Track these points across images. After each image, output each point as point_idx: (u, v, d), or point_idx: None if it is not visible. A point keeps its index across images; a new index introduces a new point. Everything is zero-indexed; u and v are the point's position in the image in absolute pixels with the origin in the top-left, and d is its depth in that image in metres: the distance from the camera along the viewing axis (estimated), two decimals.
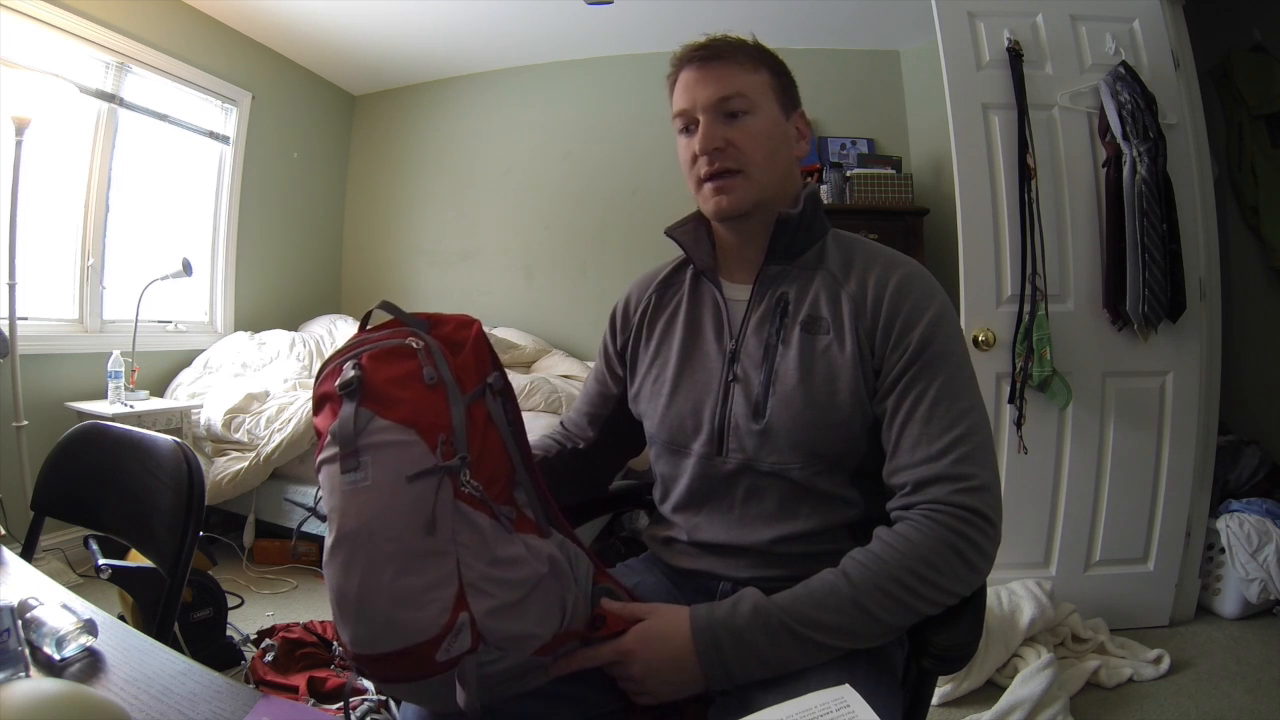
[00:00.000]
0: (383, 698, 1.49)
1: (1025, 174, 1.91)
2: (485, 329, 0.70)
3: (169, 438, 1.01)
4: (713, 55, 0.82)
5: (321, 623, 1.90)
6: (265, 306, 3.48)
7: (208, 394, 2.73)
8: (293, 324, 3.48)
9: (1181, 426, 1.98)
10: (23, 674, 0.59)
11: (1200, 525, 2.07)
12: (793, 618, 0.68)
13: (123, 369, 2.46)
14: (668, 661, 0.69)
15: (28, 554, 0.99)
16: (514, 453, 0.67)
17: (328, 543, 0.60)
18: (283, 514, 2.51)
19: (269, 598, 2.26)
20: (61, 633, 0.64)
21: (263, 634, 1.83)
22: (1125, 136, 1.84)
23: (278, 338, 3.10)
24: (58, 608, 0.67)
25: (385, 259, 3.98)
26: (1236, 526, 2.03)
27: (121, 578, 1.25)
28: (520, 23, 3.20)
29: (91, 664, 0.64)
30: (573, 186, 3.65)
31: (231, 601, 1.95)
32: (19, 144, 2.18)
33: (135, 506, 1.00)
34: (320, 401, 0.65)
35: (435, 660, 0.57)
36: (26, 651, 0.61)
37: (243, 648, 1.82)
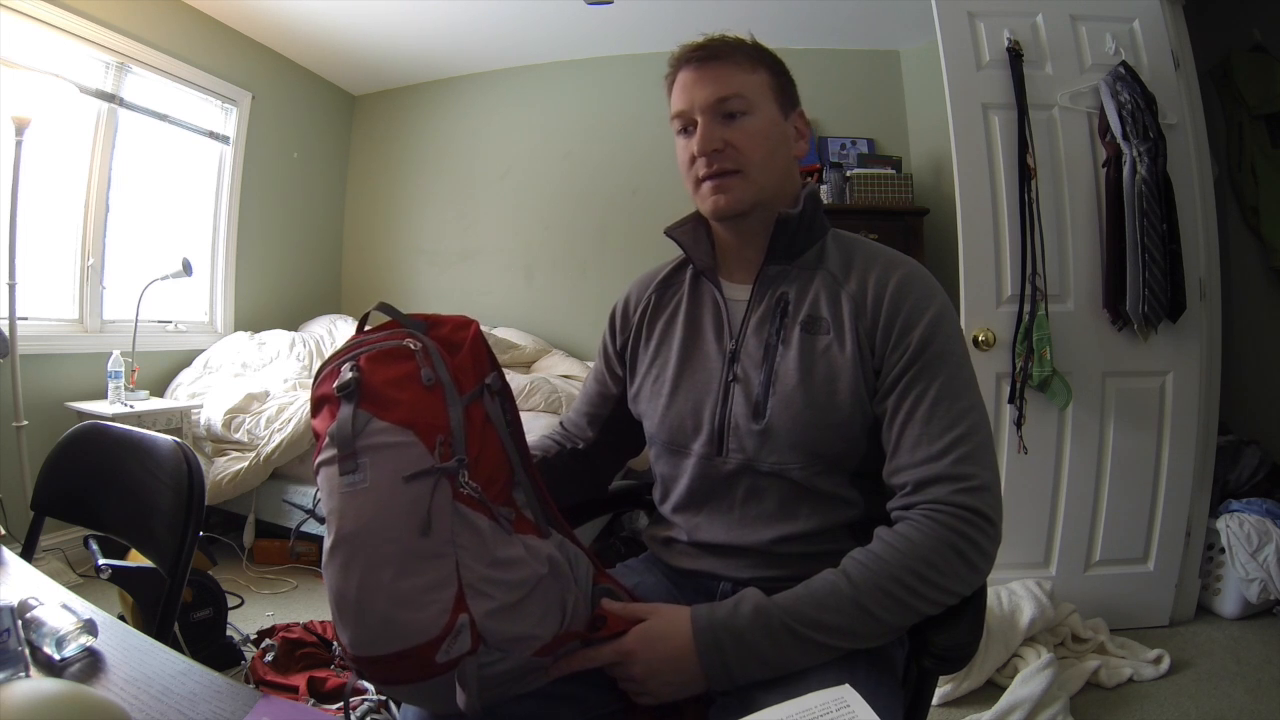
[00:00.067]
0: (383, 698, 1.49)
1: (1025, 174, 1.91)
2: (485, 329, 0.70)
3: (169, 438, 1.01)
4: (710, 55, 0.82)
5: (321, 623, 1.90)
6: (265, 306, 3.48)
7: (208, 394, 2.73)
8: (293, 324, 3.48)
9: (1181, 426, 1.98)
10: (23, 674, 0.59)
11: (1200, 525, 2.07)
12: (794, 618, 0.68)
13: (123, 369, 2.46)
14: (669, 662, 0.68)
15: (28, 554, 0.99)
16: (512, 453, 0.67)
17: (326, 544, 0.60)
18: (282, 514, 2.51)
19: (269, 598, 2.26)
20: (61, 633, 0.64)
21: (263, 634, 1.83)
22: (1125, 136, 1.84)
23: (278, 338, 3.10)
24: (58, 608, 0.67)
25: (385, 259, 3.98)
26: (1236, 526, 2.03)
27: (121, 578, 1.25)
28: (520, 23, 3.19)
29: (91, 664, 0.64)
30: (573, 186, 3.65)
31: (231, 601, 1.95)
32: (19, 144, 2.18)
33: (135, 506, 1.00)
34: (318, 403, 0.65)
35: (435, 662, 0.57)
36: (26, 651, 0.61)
37: (243, 648, 1.82)
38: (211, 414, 2.58)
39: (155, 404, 2.56)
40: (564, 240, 3.67)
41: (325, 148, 3.88)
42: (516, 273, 3.75)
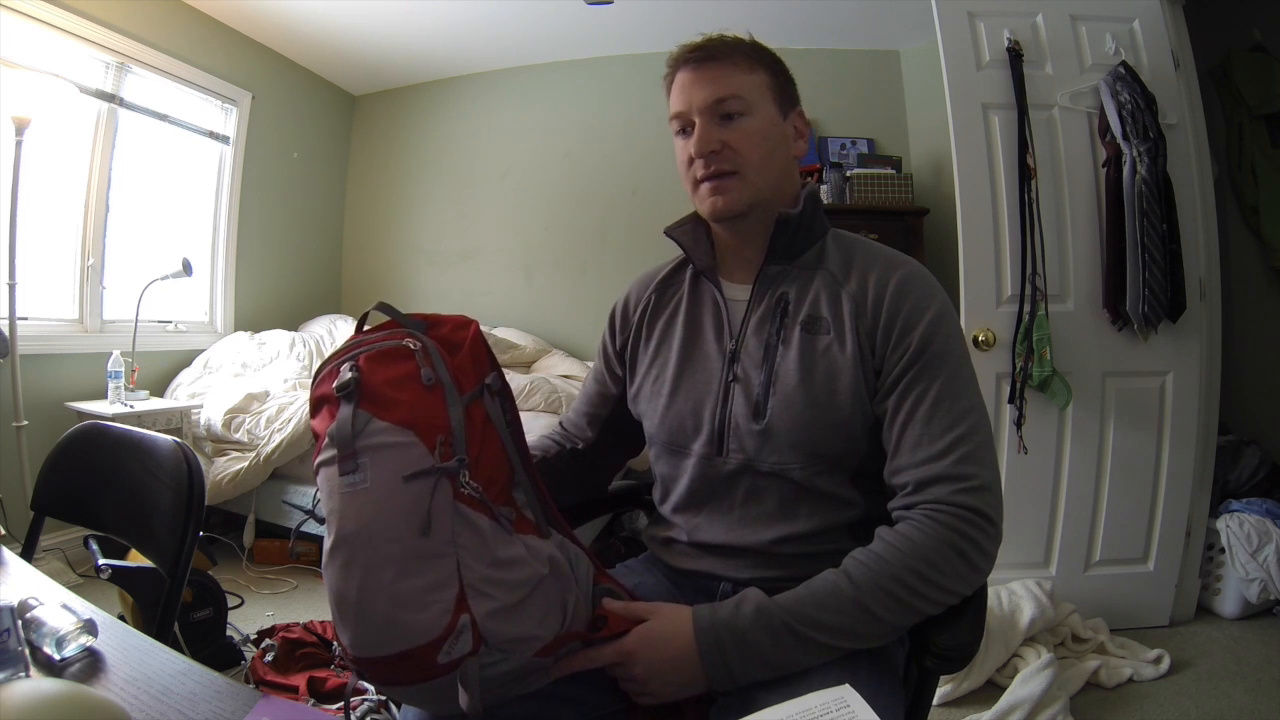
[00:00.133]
0: (383, 698, 1.49)
1: (1025, 174, 1.91)
2: (485, 329, 0.70)
3: (169, 438, 1.01)
4: (708, 56, 0.82)
5: (321, 623, 1.90)
6: (265, 306, 3.48)
7: (208, 394, 2.73)
8: (293, 324, 3.48)
9: (1181, 426, 1.98)
10: (23, 674, 0.59)
11: (1200, 525, 2.07)
12: (795, 618, 0.68)
13: (123, 369, 2.46)
14: (670, 662, 0.68)
15: (28, 554, 0.99)
16: (513, 453, 0.67)
17: (327, 545, 0.59)
18: (282, 514, 2.51)
19: (269, 598, 2.26)
20: (61, 633, 0.64)
21: (263, 634, 1.83)
22: (1125, 136, 1.84)
23: (278, 338, 3.10)
24: (58, 608, 0.67)
25: (385, 259, 3.98)
26: (1236, 526, 2.03)
27: (121, 578, 1.25)
28: (520, 23, 3.19)
29: (91, 664, 0.64)
30: (573, 186, 3.65)
31: (231, 601, 1.95)
32: (19, 144, 2.18)
33: (135, 506, 1.00)
34: (318, 404, 0.64)
35: (437, 663, 0.57)
36: (26, 651, 0.61)
37: (243, 648, 1.82)
38: (211, 414, 2.58)
39: (155, 404, 2.56)
40: (564, 240, 3.67)
41: (325, 148, 3.88)
42: (516, 273, 3.74)
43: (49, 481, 1.09)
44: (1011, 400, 1.91)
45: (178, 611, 0.93)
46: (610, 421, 0.99)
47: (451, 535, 0.59)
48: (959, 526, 0.69)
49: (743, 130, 0.81)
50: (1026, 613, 1.78)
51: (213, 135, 3.19)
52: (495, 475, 0.64)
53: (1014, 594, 1.85)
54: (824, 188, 2.91)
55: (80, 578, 2.24)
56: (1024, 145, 1.92)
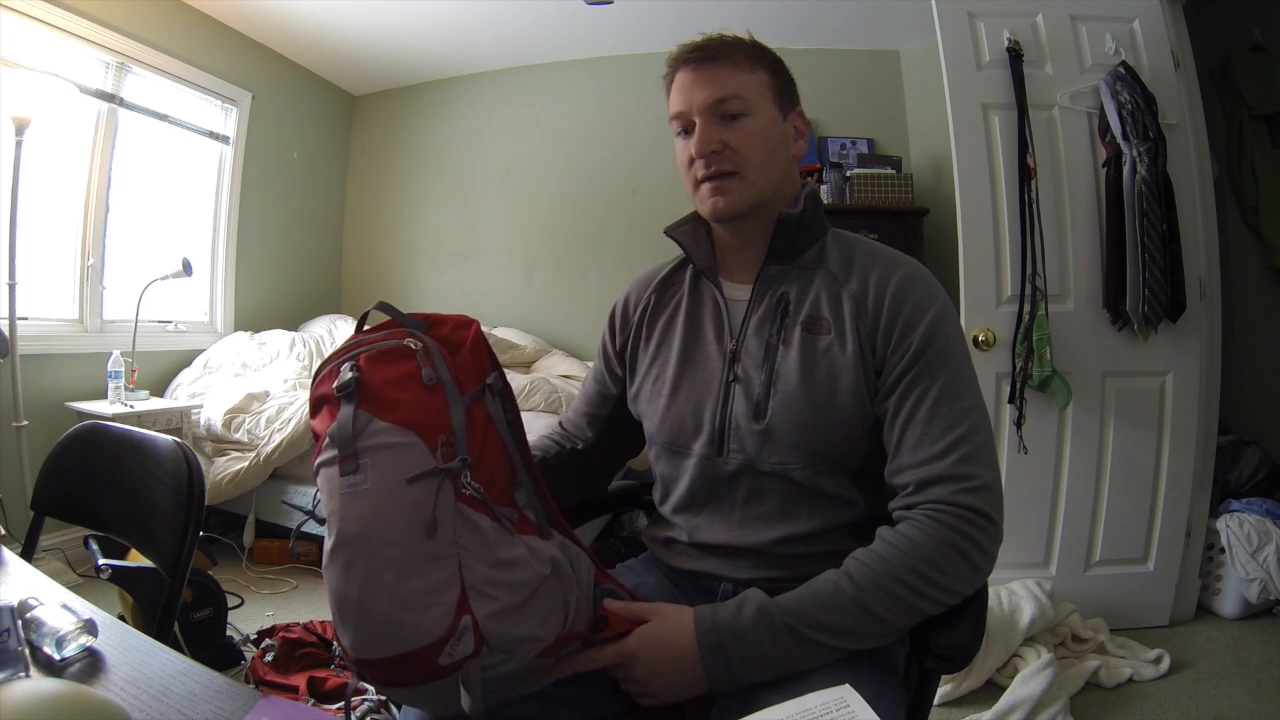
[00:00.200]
0: (383, 698, 1.49)
1: (1025, 174, 1.91)
2: (485, 329, 0.70)
3: (169, 438, 1.01)
4: (709, 56, 0.82)
5: (321, 623, 1.90)
6: (265, 306, 3.48)
7: (208, 394, 2.73)
8: (293, 324, 3.47)
9: (1181, 426, 1.98)
10: (23, 674, 0.59)
11: (1200, 525, 2.07)
12: (797, 619, 0.68)
13: (123, 369, 2.46)
14: (671, 663, 0.68)
15: (28, 554, 0.99)
16: (514, 454, 0.67)
17: (327, 546, 0.59)
18: (283, 514, 2.51)
19: (269, 598, 2.26)
20: (61, 633, 0.64)
21: (263, 634, 1.83)
22: (1125, 136, 1.84)
23: (278, 338, 3.10)
24: (58, 608, 0.67)
25: (385, 259, 3.98)
26: (1236, 526, 2.03)
27: (121, 578, 1.24)
28: (520, 23, 3.19)
29: (91, 664, 0.64)
30: (572, 186, 3.65)
31: (231, 601, 1.95)
32: (19, 144, 2.18)
33: (135, 506, 1.00)
34: (318, 404, 0.64)
35: (438, 664, 0.57)
36: (26, 651, 0.61)
37: (243, 648, 1.82)
38: (211, 414, 2.58)
39: (155, 404, 2.56)
40: (564, 240, 3.67)
41: (325, 148, 3.88)
42: (516, 273, 3.74)
43: (49, 481, 1.09)
44: (1011, 400, 1.91)
45: (178, 611, 0.93)
46: (610, 422, 0.99)
47: (453, 536, 0.58)
48: (960, 526, 0.69)
49: (744, 130, 0.81)
50: (1026, 613, 1.78)
51: (213, 135, 3.18)
52: (497, 476, 0.64)
53: (1014, 594, 1.85)
54: (824, 188, 2.91)
55: (80, 578, 2.24)
56: (1024, 145, 1.92)
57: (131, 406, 2.42)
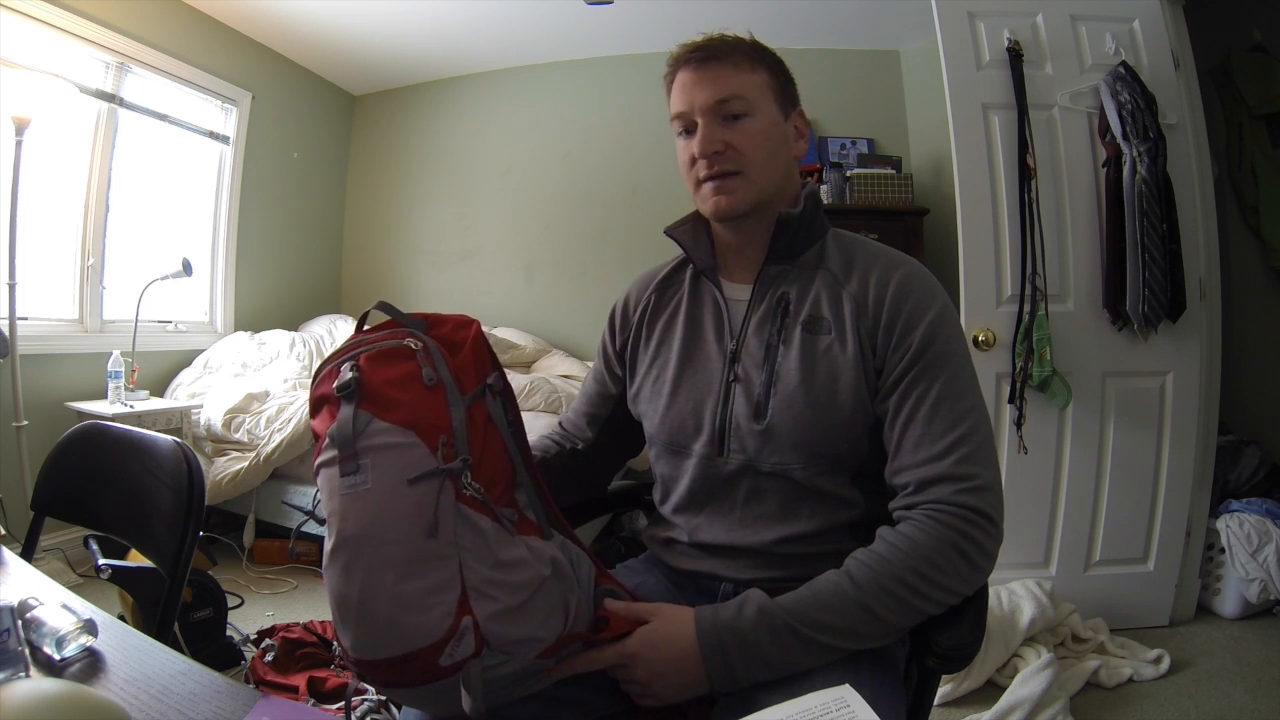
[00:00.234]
0: (383, 698, 1.49)
1: (1025, 174, 1.91)
2: (485, 329, 0.70)
3: (169, 438, 1.01)
4: (710, 56, 0.82)
5: (321, 623, 1.90)
6: (265, 306, 3.48)
7: (208, 394, 2.73)
8: (293, 324, 3.47)
9: (1181, 426, 1.98)
10: (23, 674, 0.59)
11: (1200, 525, 2.07)
12: (797, 620, 0.68)
13: (123, 369, 2.46)
14: (672, 664, 0.68)
15: (28, 554, 0.99)
16: (515, 454, 0.67)
17: (327, 546, 0.59)
18: (282, 514, 2.51)
19: (269, 598, 2.26)
20: (61, 633, 0.64)
21: (263, 634, 1.83)
22: (1125, 136, 1.84)
23: (278, 338, 3.10)
24: (58, 608, 0.67)
25: (385, 259, 3.98)
26: (1236, 526, 2.03)
27: (121, 578, 1.24)
28: (520, 23, 3.19)
29: (91, 664, 0.64)
30: (572, 186, 3.65)
31: (231, 601, 1.95)
32: (19, 144, 2.18)
33: (135, 506, 1.00)
34: (318, 404, 0.64)
35: (439, 665, 0.57)
36: (26, 651, 0.61)
37: (243, 648, 1.82)
38: (211, 414, 2.58)
39: (155, 404, 2.55)
40: (564, 240, 3.67)
41: (325, 148, 3.88)
42: (516, 273, 3.74)
43: (49, 481, 1.09)
44: (1011, 400, 1.91)
45: (178, 611, 0.93)
46: (610, 422, 0.99)
47: (454, 537, 0.58)
48: (960, 526, 0.69)
49: (746, 131, 0.81)
50: (1026, 613, 1.78)
51: (213, 135, 3.18)
52: (497, 476, 0.64)
53: (1014, 594, 1.85)
54: (824, 188, 2.91)
55: (80, 578, 2.24)
56: (1024, 145, 1.92)
57: (131, 406, 2.42)
